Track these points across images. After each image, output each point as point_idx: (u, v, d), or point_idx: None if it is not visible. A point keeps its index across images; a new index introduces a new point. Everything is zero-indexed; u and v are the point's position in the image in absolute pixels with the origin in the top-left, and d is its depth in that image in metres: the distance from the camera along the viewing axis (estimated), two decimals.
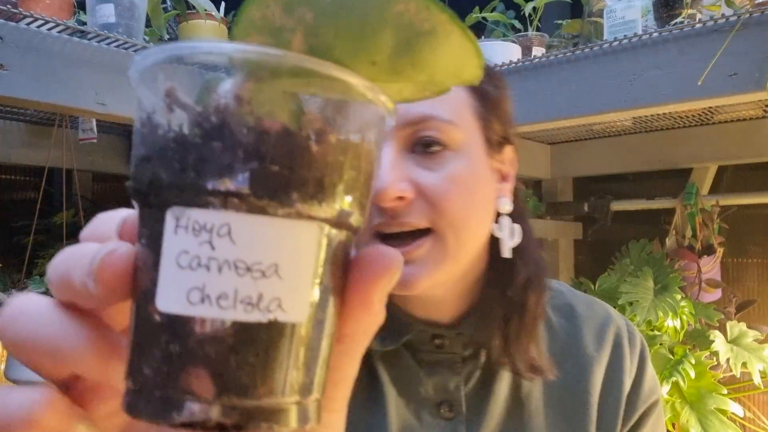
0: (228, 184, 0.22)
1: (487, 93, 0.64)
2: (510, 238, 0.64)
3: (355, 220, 0.25)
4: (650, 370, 0.71)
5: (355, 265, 0.26)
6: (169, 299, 0.22)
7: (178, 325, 0.22)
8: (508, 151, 0.67)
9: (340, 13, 0.24)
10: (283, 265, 0.23)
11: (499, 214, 0.64)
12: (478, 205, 0.61)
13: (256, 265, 0.22)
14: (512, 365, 0.64)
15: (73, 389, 0.27)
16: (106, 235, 0.27)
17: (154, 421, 0.23)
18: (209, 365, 0.22)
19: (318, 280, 0.24)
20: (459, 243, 0.59)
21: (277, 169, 0.22)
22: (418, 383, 0.65)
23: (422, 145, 0.59)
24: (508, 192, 0.66)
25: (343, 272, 0.26)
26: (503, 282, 0.65)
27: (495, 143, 0.64)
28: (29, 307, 0.26)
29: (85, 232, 0.28)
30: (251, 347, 0.23)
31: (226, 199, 0.22)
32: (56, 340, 0.25)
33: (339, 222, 0.24)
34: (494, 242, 0.65)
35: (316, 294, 0.24)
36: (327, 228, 0.24)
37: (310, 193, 0.23)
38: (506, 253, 0.64)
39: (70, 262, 0.25)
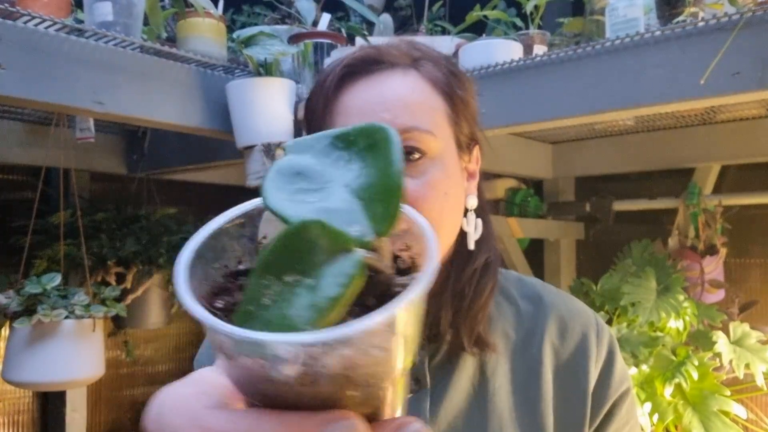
0: None
1: (457, 96, 0.68)
2: (475, 231, 0.71)
3: None
4: (620, 363, 0.74)
5: None
6: None
7: None
8: (476, 151, 0.72)
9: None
10: None
11: (466, 210, 0.71)
12: (452, 206, 0.67)
13: None
14: (456, 338, 0.68)
15: None
16: None
17: None
18: None
19: None
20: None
21: None
22: None
23: (404, 154, 0.63)
24: (474, 189, 0.72)
25: None
26: (462, 264, 0.70)
27: (464, 145, 0.70)
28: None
29: None
30: None
31: None
32: None
33: None
34: (460, 234, 0.72)
35: None
36: None
37: None
38: (472, 245, 0.70)
39: None
